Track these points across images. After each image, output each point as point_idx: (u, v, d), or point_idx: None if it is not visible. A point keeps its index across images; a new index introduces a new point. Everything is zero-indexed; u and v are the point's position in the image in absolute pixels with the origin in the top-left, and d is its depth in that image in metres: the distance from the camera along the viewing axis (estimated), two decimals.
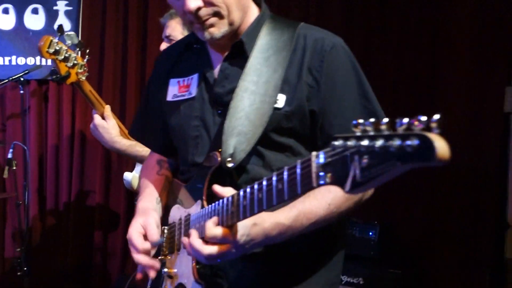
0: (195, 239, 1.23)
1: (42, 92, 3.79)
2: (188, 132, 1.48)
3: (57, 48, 2.09)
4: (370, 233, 3.31)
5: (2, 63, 3.76)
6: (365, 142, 0.79)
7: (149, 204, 1.55)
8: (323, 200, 1.29)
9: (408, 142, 0.73)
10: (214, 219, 1.20)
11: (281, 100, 1.35)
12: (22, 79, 3.39)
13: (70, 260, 3.75)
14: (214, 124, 1.43)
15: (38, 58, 3.70)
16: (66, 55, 2.12)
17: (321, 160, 0.89)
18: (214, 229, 1.19)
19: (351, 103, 1.38)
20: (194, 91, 1.48)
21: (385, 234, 3.31)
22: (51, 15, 3.76)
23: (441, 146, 0.71)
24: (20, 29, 3.74)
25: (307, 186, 0.93)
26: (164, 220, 1.55)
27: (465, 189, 3.26)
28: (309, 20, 2.70)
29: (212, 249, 1.19)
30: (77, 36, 3.60)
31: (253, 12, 1.47)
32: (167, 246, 1.51)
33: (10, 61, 3.77)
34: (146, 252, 1.40)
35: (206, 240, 1.21)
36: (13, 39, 3.74)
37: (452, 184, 3.27)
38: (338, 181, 0.86)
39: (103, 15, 3.75)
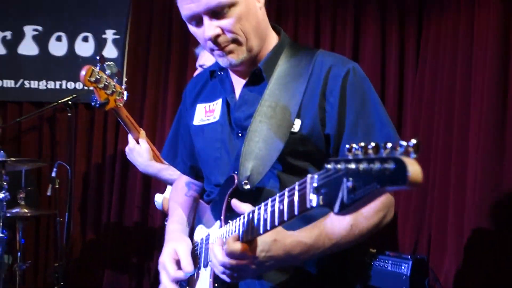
0: (216, 246, 1.25)
1: (88, 115, 4.00)
2: (211, 153, 1.55)
3: (98, 77, 2.23)
4: (402, 267, 3.25)
5: (53, 87, 4.02)
6: (351, 165, 0.83)
7: (179, 227, 1.62)
8: (345, 220, 1.31)
9: (386, 166, 0.76)
10: (235, 235, 1.22)
11: (297, 125, 1.40)
12: (70, 102, 3.62)
13: (106, 277, 3.89)
14: (233, 147, 1.49)
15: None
16: (106, 83, 2.26)
17: (315, 183, 0.93)
18: (233, 244, 1.20)
19: (365, 128, 1.40)
20: (217, 115, 1.55)
21: (418, 269, 3.24)
22: (100, 43, 4.00)
23: (414, 171, 0.73)
24: (71, 56, 4.00)
25: (303, 207, 0.99)
26: (191, 239, 1.62)
27: (499, 219, 3.16)
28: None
29: (231, 261, 1.20)
30: (123, 63, 3.84)
31: (272, 39, 1.52)
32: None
33: (60, 85, 4.02)
34: (176, 280, 1.45)
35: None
36: (64, 65, 3.99)
37: (489, 219, 3.19)
38: (329, 203, 0.90)
39: (147, 44, 3.97)
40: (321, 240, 1.27)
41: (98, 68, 2.26)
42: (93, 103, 2.29)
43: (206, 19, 1.37)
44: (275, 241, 1.21)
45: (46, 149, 4.04)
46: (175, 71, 3.88)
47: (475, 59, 3.17)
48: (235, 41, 1.40)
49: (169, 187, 2.65)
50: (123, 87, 2.36)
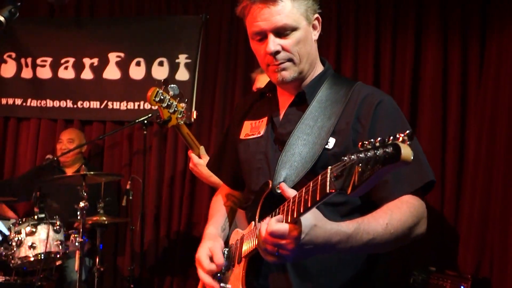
0: (262, 225, 1.34)
1: (162, 133, 4.35)
2: (253, 164, 1.74)
3: (162, 97, 2.51)
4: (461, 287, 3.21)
5: (132, 107, 4.42)
6: (361, 155, 1.06)
7: (215, 231, 1.83)
8: (381, 219, 1.39)
9: (386, 150, 1.00)
10: (278, 217, 1.32)
11: (331, 143, 1.56)
12: (145, 121, 3.98)
13: (176, 282, 4.18)
14: (273, 159, 1.66)
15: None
16: (169, 103, 2.54)
17: (334, 172, 1.15)
18: (274, 224, 1.29)
19: None
20: (262, 131, 1.75)
21: None
22: (173, 67, 4.36)
23: (406, 151, 0.97)
24: (148, 79, 4.37)
25: (323, 192, 1.17)
26: (226, 244, 1.81)
27: None
28: None
29: (272, 239, 1.28)
30: (193, 85, 4.15)
31: (318, 68, 1.73)
32: (227, 265, 1.72)
33: (139, 105, 4.41)
34: (211, 273, 1.65)
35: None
36: (142, 87, 4.36)
37: None
38: (344, 187, 1.11)
39: (215, 67, 4.26)
40: (360, 233, 1.34)
41: (162, 89, 2.54)
42: (157, 121, 2.57)
43: (271, 36, 1.59)
44: (315, 226, 1.27)
45: (125, 164, 4.43)
46: (240, 92, 4.14)
47: None
48: (291, 60, 1.62)
49: None
50: (184, 106, 2.62)
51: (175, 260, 4.21)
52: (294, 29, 1.60)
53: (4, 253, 3.19)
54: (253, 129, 1.79)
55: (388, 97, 1.62)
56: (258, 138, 1.74)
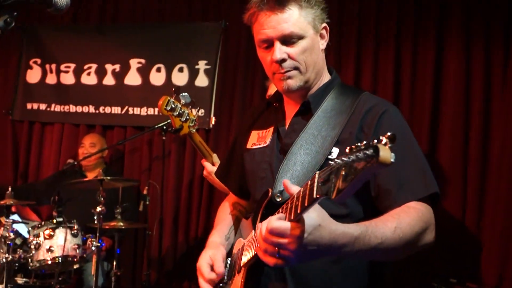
0: (263, 224, 1.26)
1: (181, 139, 4.38)
2: (258, 173, 1.73)
3: (173, 106, 2.52)
4: None
5: (152, 113, 4.47)
6: (345, 158, 1.03)
7: (219, 240, 1.82)
8: (389, 222, 1.34)
9: (367, 152, 0.97)
10: (280, 214, 1.25)
11: (334, 152, 1.54)
12: (164, 127, 4.00)
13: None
14: (277, 168, 1.64)
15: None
16: (180, 111, 2.54)
17: (321, 177, 1.11)
18: (275, 221, 1.20)
19: (392, 166, 1.49)
20: (268, 141, 1.74)
21: None
22: (193, 73, 4.38)
23: (384, 153, 0.94)
24: (168, 85, 4.40)
25: (311, 197, 1.13)
26: (230, 253, 1.80)
27: None
28: None
29: (273, 237, 1.20)
30: (212, 90, 4.16)
31: (325, 78, 1.71)
32: (228, 274, 1.73)
33: (158, 111, 4.42)
34: (210, 281, 1.65)
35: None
36: (162, 93, 4.36)
37: None
38: (329, 192, 1.06)
39: (234, 73, 4.27)
40: (367, 236, 1.28)
41: (173, 97, 2.55)
42: (169, 129, 2.57)
43: (277, 44, 1.58)
44: (319, 225, 1.20)
45: (144, 169, 4.47)
46: (258, 98, 4.12)
47: None
48: (297, 68, 1.61)
49: None
50: (196, 115, 2.62)
51: (193, 266, 4.16)
52: (300, 37, 1.58)
53: (23, 255, 3.25)
54: (259, 138, 1.78)
55: (393, 108, 1.59)
56: (263, 147, 1.74)
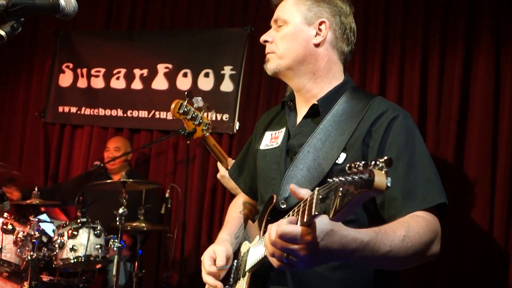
0: (273, 226, 1.22)
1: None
2: (268, 174, 1.74)
3: (186, 109, 2.55)
4: None
5: None
6: (343, 178, 1.02)
7: (227, 237, 1.84)
8: (398, 230, 1.32)
9: (362, 176, 0.96)
10: (290, 218, 1.20)
11: (341, 158, 1.53)
12: (181, 131, 4.04)
13: None
14: (285, 171, 1.65)
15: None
16: (193, 115, 2.57)
17: (320, 195, 1.10)
18: (286, 225, 1.17)
19: (406, 166, 1.48)
20: (279, 142, 1.74)
21: None
22: (219, 78, 4.42)
23: (379, 179, 0.93)
24: (194, 89, 4.45)
25: (309, 215, 1.12)
26: (237, 253, 1.81)
27: None
28: None
29: (282, 242, 1.17)
30: (237, 95, 4.18)
31: (335, 80, 1.69)
32: (234, 277, 1.74)
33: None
34: (212, 274, 1.67)
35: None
36: None
37: None
38: (327, 211, 1.06)
39: (259, 79, 4.28)
40: (377, 243, 1.25)
41: (186, 101, 2.58)
42: (182, 132, 2.61)
43: (273, 26, 1.69)
44: (331, 231, 1.17)
45: (169, 172, 4.53)
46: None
47: None
48: (274, 53, 1.66)
49: None
50: (210, 118, 2.65)
51: None
52: (283, 22, 1.65)
53: (47, 254, 3.35)
54: (272, 139, 1.79)
55: (404, 113, 1.56)
56: (275, 148, 1.74)
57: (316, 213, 1.09)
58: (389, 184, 0.94)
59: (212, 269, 1.66)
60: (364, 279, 1.54)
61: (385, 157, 0.96)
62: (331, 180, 1.06)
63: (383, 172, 0.94)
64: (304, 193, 1.21)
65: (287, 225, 1.17)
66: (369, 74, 3.80)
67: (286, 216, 1.27)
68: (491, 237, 3.38)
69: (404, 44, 3.77)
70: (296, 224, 1.17)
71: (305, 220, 1.14)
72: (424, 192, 1.45)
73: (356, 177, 0.97)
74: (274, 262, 1.23)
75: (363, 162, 0.99)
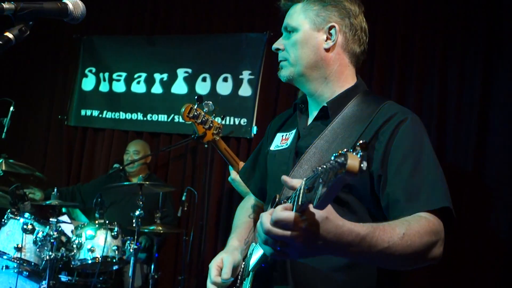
0: (265, 214, 1.21)
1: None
2: (278, 175, 1.72)
3: (196, 113, 2.57)
4: None
5: None
6: (325, 166, 1.03)
7: (237, 243, 1.81)
8: (397, 228, 1.30)
9: (338, 160, 0.98)
10: (286, 205, 1.19)
11: None
12: (192, 135, 4.06)
13: None
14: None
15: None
16: (204, 119, 2.59)
17: (305, 184, 1.12)
18: (281, 211, 1.16)
19: (411, 169, 1.46)
20: (289, 143, 1.74)
21: None
22: (237, 83, 4.45)
23: (352, 162, 0.94)
24: (213, 94, 4.51)
25: (297, 205, 1.12)
26: (241, 255, 1.81)
27: None
28: None
29: (276, 230, 1.16)
30: (255, 100, 4.19)
31: (346, 83, 1.68)
32: (241, 277, 1.73)
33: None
34: (216, 285, 1.66)
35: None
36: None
37: None
38: (311, 199, 1.07)
39: (277, 84, 4.29)
40: (374, 238, 1.23)
41: (196, 106, 2.60)
42: (192, 135, 2.63)
43: (283, 33, 1.69)
44: (327, 218, 1.16)
45: (188, 175, 4.56)
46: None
47: None
48: (286, 60, 1.66)
49: None
50: (221, 122, 2.66)
51: None
52: (293, 29, 1.64)
53: (65, 254, 3.40)
54: (282, 140, 1.78)
55: (413, 117, 1.53)
56: (284, 149, 1.74)
57: (303, 202, 1.10)
58: (364, 168, 0.94)
59: (217, 280, 1.65)
60: (368, 282, 1.52)
61: (361, 141, 0.97)
62: (315, 170, 1.08)
63: (358, 155, 0.94)
64: (295, 182, 1.22)
65: (282, 211, 1.16)
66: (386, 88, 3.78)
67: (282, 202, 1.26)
68: None
69: (423, 61, 3.73)
70: (292, 211, 1.16)
71: (297, 209, 1.14)
72: (428, 195, 1.42)
73: (335, 163, 0.98)
74: (267, 250, 1.23)
75: (345, 149, 0.99)
